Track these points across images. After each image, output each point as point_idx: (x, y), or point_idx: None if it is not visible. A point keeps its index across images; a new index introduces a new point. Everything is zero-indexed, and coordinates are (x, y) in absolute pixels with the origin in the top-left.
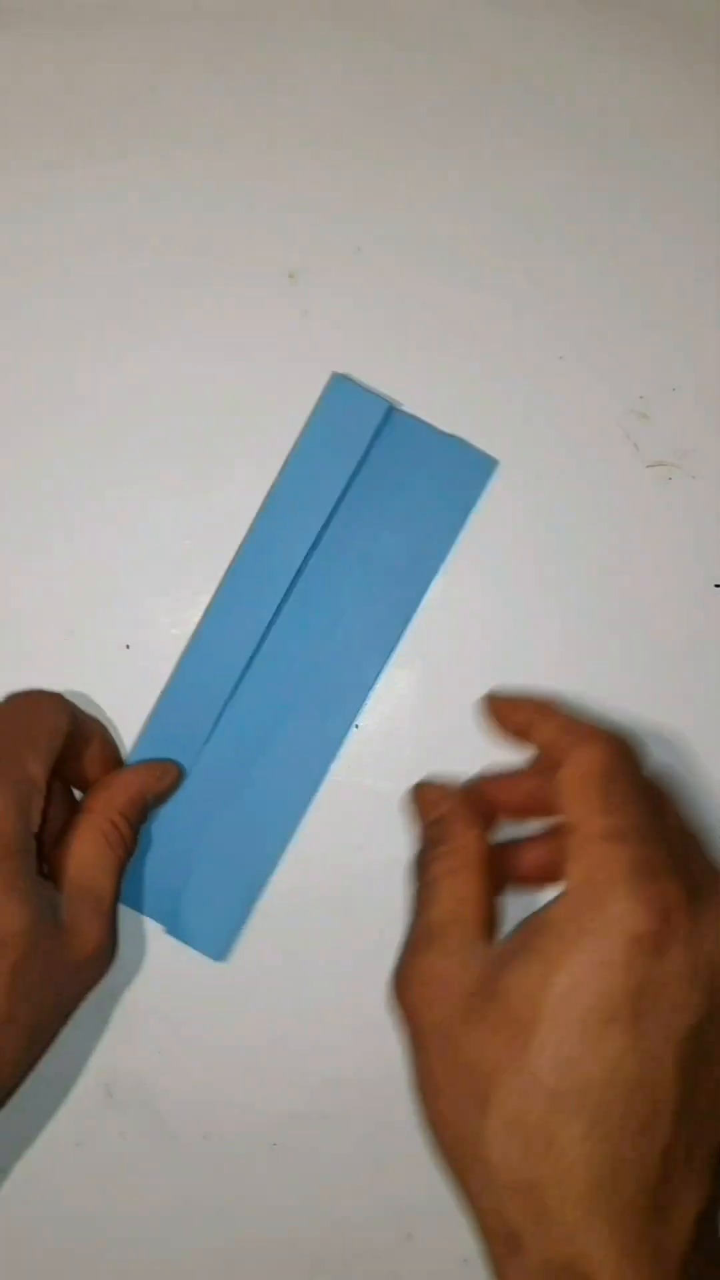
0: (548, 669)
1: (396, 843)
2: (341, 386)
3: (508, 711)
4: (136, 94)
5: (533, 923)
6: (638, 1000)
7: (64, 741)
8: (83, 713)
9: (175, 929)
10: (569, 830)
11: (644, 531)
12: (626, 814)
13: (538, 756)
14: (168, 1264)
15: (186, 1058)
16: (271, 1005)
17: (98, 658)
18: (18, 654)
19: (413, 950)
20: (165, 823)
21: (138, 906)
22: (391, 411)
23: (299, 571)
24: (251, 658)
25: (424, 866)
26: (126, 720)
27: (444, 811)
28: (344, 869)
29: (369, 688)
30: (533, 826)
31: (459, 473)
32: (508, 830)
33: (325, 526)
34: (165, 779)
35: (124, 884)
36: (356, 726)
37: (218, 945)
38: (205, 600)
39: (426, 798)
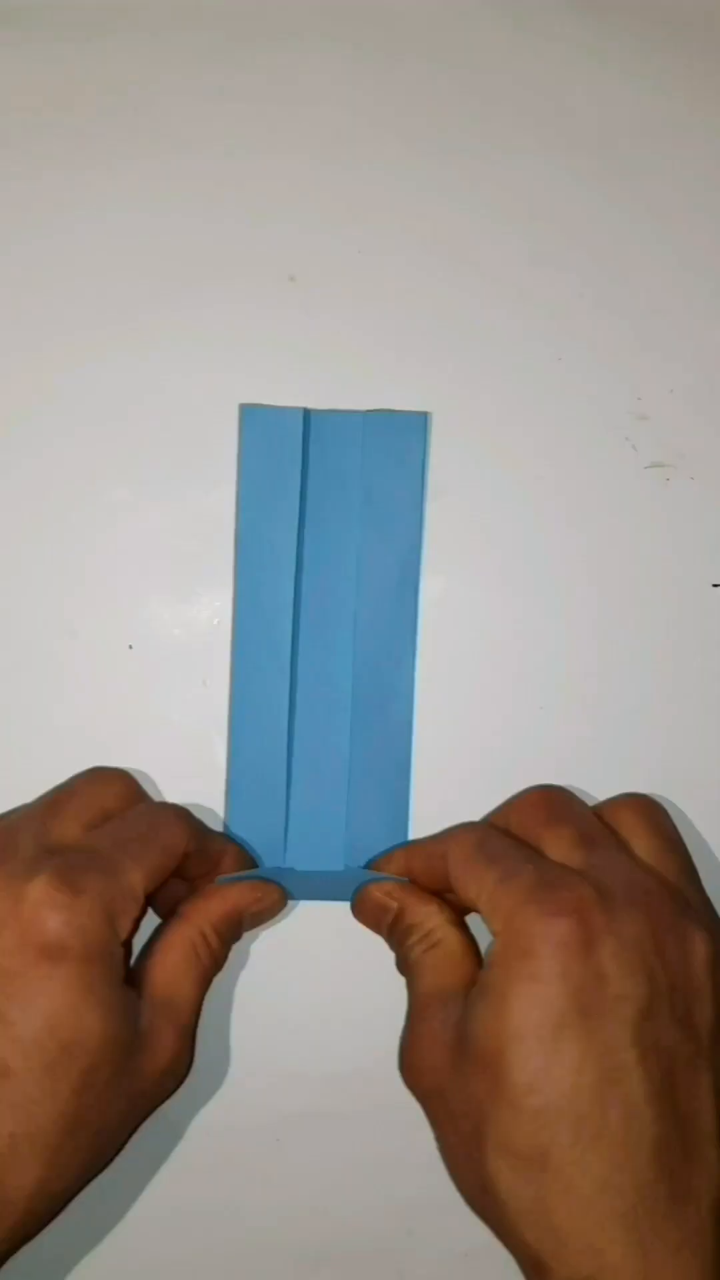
0: (546, 669)
1: None
2: (253, 414)
3: (381, 897)
4: (136, 95)
5: (483, 967)
6: (580, 1002)
7: (179, 861)
8: (212, 834)
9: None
10: (475, 899)
11: (643, 531)
12: (509, 858)
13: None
14: (168, 1264)
15: None
16: (272, 1005)
17: (99, 658)
18: (18, 654)
19: (408, 1027)
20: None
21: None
22: (309, 415)
23: (298, 595)
24: (293, 690)
25: (404, 959)
26: (128, 720)
27: (396, 909)
28: None
29: (412, 671)
30: None
31: (397, 438)
32: None
33: (301, 547)
34: (266, 899)
35: (295, 885)
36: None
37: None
38: (207, 600)
39: (374, 903)
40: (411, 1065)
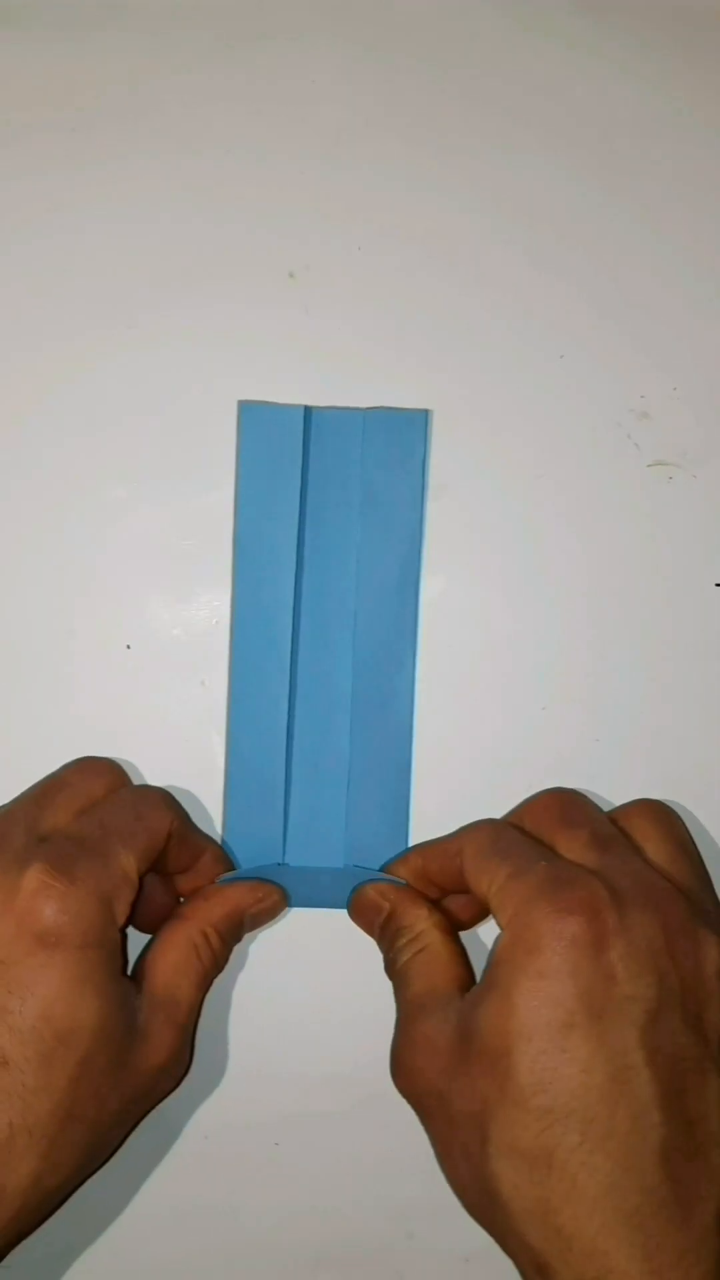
0: (547, 669)
1: None
2: (252, 412)
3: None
4: (136, 94)
5: (488, 965)
6: (590, 1000)
7: (165, 843)
8: (194, 826)
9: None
10: (486, 892)
11: (644, 531)
12: (522, 855)
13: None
14: (168, 1264)
15: None
16: (271, 1006)
17: (98, 658)
18: (18, 654)
19: (399, 1031)
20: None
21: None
22: (309, 413)
23: (298, 594)
24: (292, 690)
25: (392, 963)
26: (126, 720)
27: (389, 910)
28: None
29: (412, 671)
30: None
31: (397, 436)
32: None
33: (300, 546)
34: (267, 900)
35: (298, 890)
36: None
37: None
38: (206, 599)
39: (368, 903)
40: (406, 1068)
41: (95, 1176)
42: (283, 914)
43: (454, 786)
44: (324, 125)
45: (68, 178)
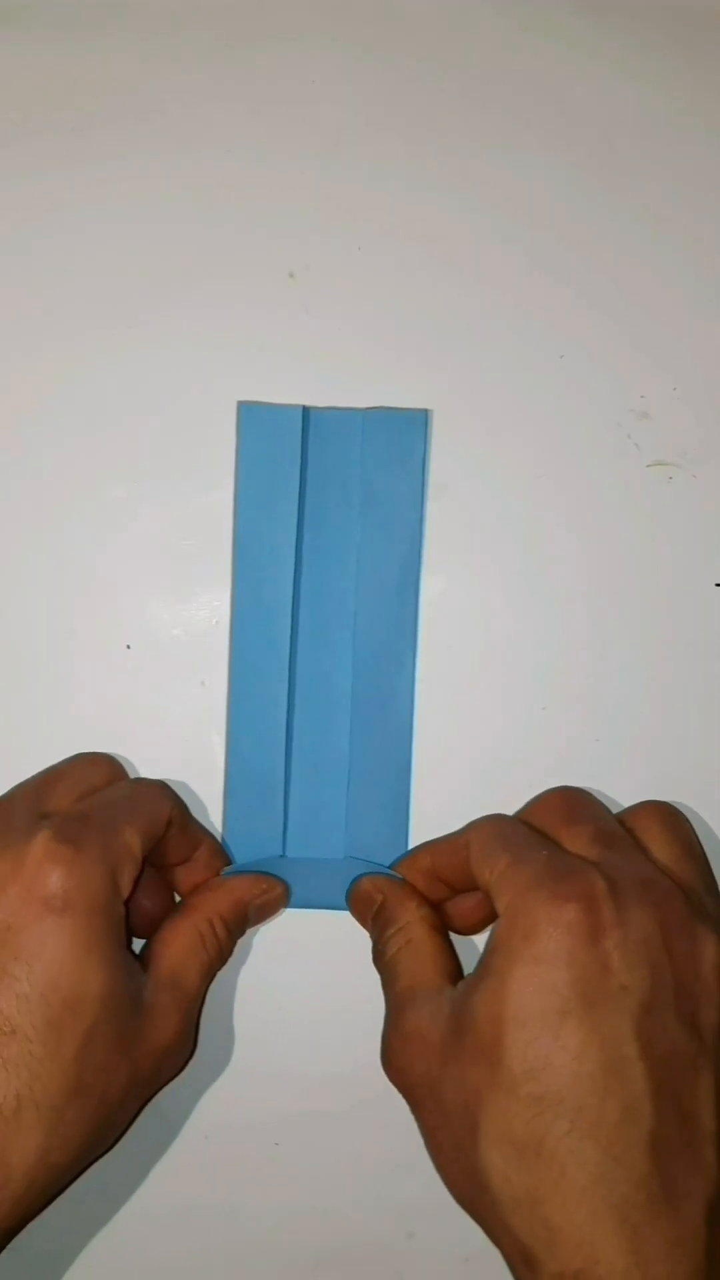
0: (547, 669)
1: None
2: (251, 412)
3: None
4: (136, 94)
5: (483, 954)
6: (584, 988)
7: (165, 829)
8: (193, 818)
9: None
10: (488, 882)
11: (644, 531)
12: (525, 846)
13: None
14: (169, 1264)
15: None
16: (271, 1005)
17: (98, 658)
18: (18, 654)
19: (389, 1023)
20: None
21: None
22: (308, 413)
23: (297, 594)
24: (292, 690)
25: (380, 954)
26: (126, 720)
27: (381, 901)
28: None
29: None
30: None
31: (397, 436)
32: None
33: (300, 546)
34: (271, 893)
35: (300, 890)
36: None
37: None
38: (206, 599)
39: (362, 894)
40: (397, 1059)
41: (95, 1176)
42: (282, 911)
43: (454, 786)
44: (324, 125)
45: (68, 178)
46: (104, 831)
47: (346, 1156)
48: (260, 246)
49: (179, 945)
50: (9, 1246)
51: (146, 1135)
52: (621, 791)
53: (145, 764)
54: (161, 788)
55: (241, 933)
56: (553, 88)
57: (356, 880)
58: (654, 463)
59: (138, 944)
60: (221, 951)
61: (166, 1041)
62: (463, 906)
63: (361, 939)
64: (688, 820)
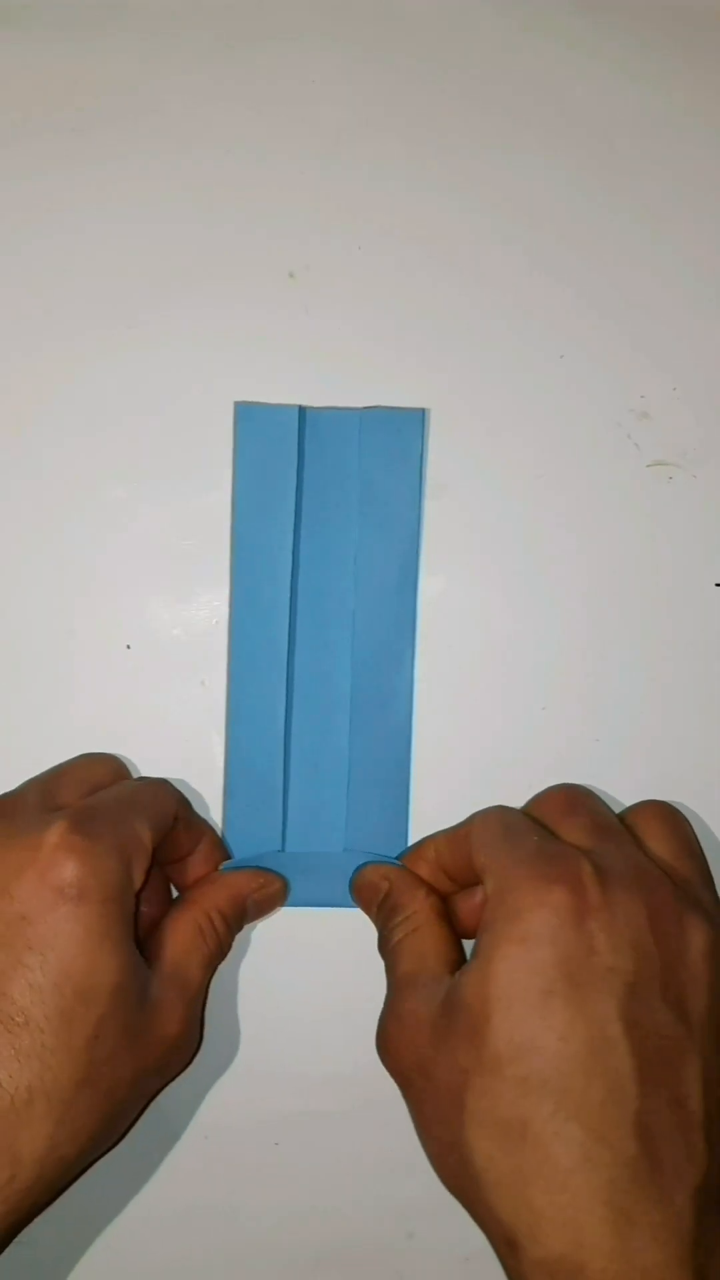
0: (546, 669)
1: None
2: (248, 412)
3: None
4: (136, 94)
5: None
6: (570, 969)
7: (171, 824)
8: (195, 812)
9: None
10: (482, 864)
11: (644, 531)
12: (523, 832)
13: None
14: (169, 1264)
15: None
16: (272, 1004)
17: (98, 658)
18: (17, 654)
19: (386, 1008)
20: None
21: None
22: (305, 412)
23: (294, 594)
24: (291, 690)
25: (385, 940)
26: (126, 720)
27: (387, 889)
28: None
29: (411, 671)
30: None
31: (394, 435)
32: None
33: (297, 546)
34: (269, 887)
35: (300, 887)
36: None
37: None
38: (205, 599)
39: (368, 882)
40: (391, 1043)
41: (93, 1175)
42: (281, 907)
43: (454, 786)
44: (324, 125)
45: (68, 178)
46: (117, 823)
47: (346, 1156)
48: (260, 246)
49: (181, 939)
50: (15, 1240)
51: (146, 1135)
52: (621, 791)
53: (145, 764)
54: (165, 784)
55: (240, 927)
56: (553, 88)
57: (361, 868)
58: (654, 463)
59: None
60: (221, 945)
61: (173, 1034)
62: (470, 904)
63: (362, 938)
64: (687, 820)
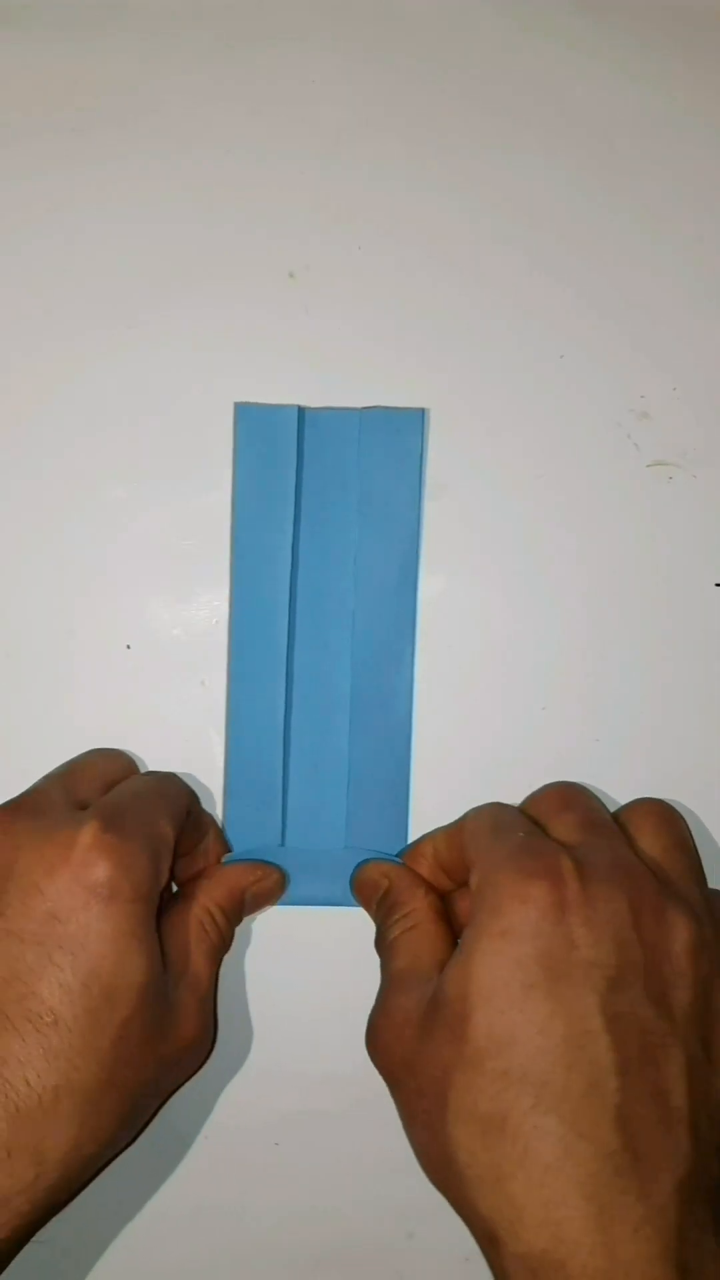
0: (546, 669)
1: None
2: (247, 412)
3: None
4: (136, 94)
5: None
6: (550, 962)
7: (185, 819)
8: (201, 806)
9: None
10: (471, 859)
11: (644, 531)
12: (511, 828)
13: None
14: (168, 1264)
15: None
16: (271, 1004)
17: (98, 658)
18: (18, 654)
19: (377, 1003)
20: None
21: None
22: (304, 413)
23: (294, 594)
24: (291, 689)
25: (382, 937)
26: (126, 720)
27: (387, 887)
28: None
29: (411, 671)
30: None
31: (394, 435)
32: None
33: (296, 546)
34: (267, 880)
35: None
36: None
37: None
38: (205, 599)
39: (368, 879)
40: (380, 1039)
41: (97, 1177)
42: (279, 899)
43: (454, 786)
44: (324, 125)
45: (68, 178)
46: (144, 821)
47: (347, 1156)
48: (260, 246)
49: (183, 935)
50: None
51: (145, 1135)
52: (621, 791)
53: (145, 764)
54: (175, 777)
55: (239, 920)
56: (553, 88)
57: (362, 865)
58: (654, 463)
59: None
60: (223, 938)
61: (190, 1034)
62: (466, 901)
63: (361, 938)
64: (682, 818)
